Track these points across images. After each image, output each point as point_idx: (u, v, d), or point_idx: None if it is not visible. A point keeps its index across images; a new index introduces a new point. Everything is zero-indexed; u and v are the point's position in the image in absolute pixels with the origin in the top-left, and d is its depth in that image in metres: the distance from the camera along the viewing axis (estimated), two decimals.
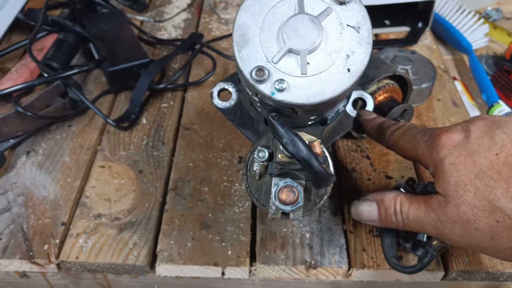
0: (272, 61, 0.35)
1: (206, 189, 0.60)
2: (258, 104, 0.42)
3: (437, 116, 0.70)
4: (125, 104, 0.72)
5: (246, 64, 0.36)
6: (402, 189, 0.53)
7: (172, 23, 0.88)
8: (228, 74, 0.76)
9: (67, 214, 0.57)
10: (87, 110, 0.69)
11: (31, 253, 0.53)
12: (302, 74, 0.35)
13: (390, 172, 0.62)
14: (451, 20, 0.95)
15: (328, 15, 0.36)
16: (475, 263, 0.53)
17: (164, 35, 0.85)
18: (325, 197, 0.42)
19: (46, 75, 0.69)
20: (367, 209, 0.47)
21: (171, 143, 0.66)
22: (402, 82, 0.63)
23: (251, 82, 0.35)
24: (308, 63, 0.35)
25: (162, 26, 0.87)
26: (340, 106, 0.46)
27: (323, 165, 0.36)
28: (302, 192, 0.38)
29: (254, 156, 0.41)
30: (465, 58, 0.96)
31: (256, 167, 0.42)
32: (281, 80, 0.35)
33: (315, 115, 0.41)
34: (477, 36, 0.94)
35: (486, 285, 0.55)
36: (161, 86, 0.71)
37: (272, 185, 0.39)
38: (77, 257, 0.53)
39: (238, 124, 0.58)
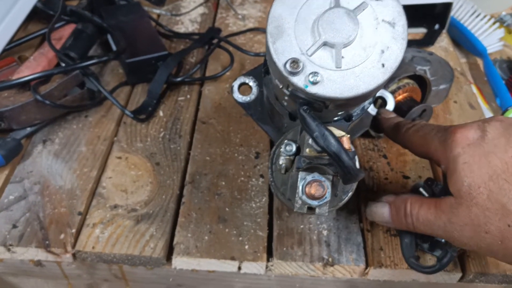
0: (307, 54, 0.35)
1: (223, 183, 0.60)
2: (286, 98, 0.42)
3: (454, 118, 0.70)
4: (142, 96, 0.71)
5: (280, 56, 0.36)
6: (421, 189, 0.53)
7: (189, 17, 0.88)
8: (245, 70, 0.77)
9: (84, 204, 0.57)
10: (104, 101, 0.69)
11: (47, 242, 0.53)
12: (337, 67, 0.35)
13: (407, 172, 0.62)
14: (466, 24, 0.95)
15: (363, 10, 0.36)
16: (492, 265, 0.53)
17: (181, 29, 0.85)
18: (351, 193, 0.42)
19: (63, 64, 0.69)
20: (379, 211, 0.47)
21: (188, 137, 0.66)
22: (421, 82, 0.63)
23: (285, 74, 0.35)
24: (342, 57, 0.35)
25: (179, 20, 0.87)
26: (366, 103, 0.46)
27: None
28: (330, 187, 0.38)
29: (281, 149, 0.41)
30: (479, 62, 0.95)
31: (282, 161, 0.42)
32: (315, 73, 0.35)
33: (344, 110, 0.41)
34: (492, 40, 0.94)
35: None
36: (179, 79, 0.71)
37: (299, 179, 0.39)
38: (93, 247, 0.53)
39: (257, 119, 0.58)
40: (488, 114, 0.80)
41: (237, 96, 0.58)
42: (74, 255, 0.54)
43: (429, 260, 0.53)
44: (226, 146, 0.64)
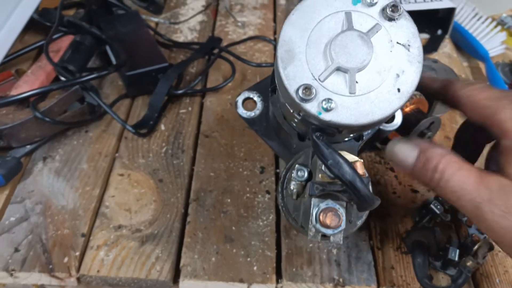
0: (319, 79, 0.34)
1: (229, 200, 0.59)
2: (296, 120, 0.41)
3: None
4: (142, 109, 0.70)
5: (292, 82, 0.34)
6: (432, 206, 0.52)
7: (188, 25, 0.86)
8: (247, 80, 0.75)
9: (87, 224, 0.56)
10: (105, 115, 0.68)
11: (50, 266, 0.52)
12: (351, 93, 0.34)
13: (416, 185, 0.61)
14: (467, 27, 0.93)
15: (377, 32, 0.34)
16: (506, 283, 0.52)
17: (180, 37, 0.83)
18: (364, 217, 0.41)
19: (62, 78, 0.67)
20: (405, 152, 0.40)
21: (191, 151, 0.64)
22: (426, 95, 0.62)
23: (297, 100, 0.34)
24: (356, 82, 0.34)
25: (177, 28, 0.85)
26: None
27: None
28: (344, 215, 0.37)
29: (293, 175, 0.40)
30: (481, 65, 0.94)
31: (293, 186, 0.40)
32: (328, 100, 0.33)
33: (358, 133, 0.40)
34: (493, 43, 0.93)
35: None
36: (180, 91, 0.69)
37: (312, 206, 0.38)
38: (98, 271, 0.52)
39: (263, 135, 0.56)
40: None
41: (242, 111, 0.56)
42: (78, 279, 0.52)
43: (442, 278, 0.52)
44: (230, 160, 0.63)
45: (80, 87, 0.63)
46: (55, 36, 0.71)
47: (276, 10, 0.92)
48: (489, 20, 0.92)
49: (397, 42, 0.35)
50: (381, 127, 0.54)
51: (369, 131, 0.45)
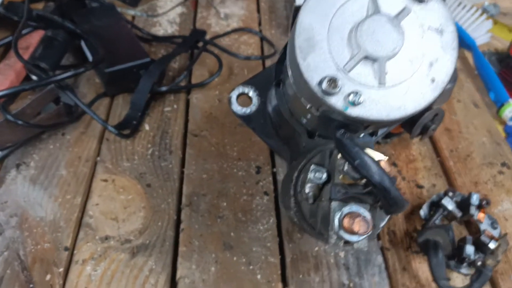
0: (344, 70, 0.30)
1: (225, 204, 0.54)
2: (308, 117, 0.37)
3: (460, 119, 0.67)
4: (123, 108, 0.65)
5: (313, 74, 0.30)
6: (443, 202, 0.50)
7: (167, 18, 0.81)
8: (234, 75, 0.71)
9: (70, 237, 0.50)
10: (83, 116, 0.62)
11: (31, 286, 0.46)
12: (380, 84, 0.30)
13: (420, 180, 0.58)
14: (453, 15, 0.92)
15: (406, 16, 0.31)
16: None
17: (159, 31, 0.78)
18: (387, 219, 0.37)
19: (34, 77, 0.61)
20: None
21: (179, 152, 0.60)
22: None
23: (318, 94, 0.30)
24: (386, 72, 0.30)
25: (156, 21, 0.80)
26: None
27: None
28: (371, 221, 0.33)
29: (309, 176, 0.36)
30: (468, 54, 0.93)
31: (309, 188, 0.36)
32: (356, 93, 0.30)
33: (381, 129, 0.36)
34: (479, 32, 0.92)
35: None
36: (164, 88, 0.64)
37: (333, 211, 0.34)
38: None
39: (260, 133, 0.52)
40: None
41: (236, 108, 0.52)
42: None
43: (456, 278, 0.49)
44: (223, 161, 0.59)
45: (55, 86, 0.57)
46: (24, 32, 0.65)
47: (259, 0, 0.87)
48: (475, 8, 0.91)
49: (429, 27, 0.31)
50: None
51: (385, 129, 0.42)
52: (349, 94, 0.30)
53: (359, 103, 0.30)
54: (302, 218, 0.38)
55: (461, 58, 0.90)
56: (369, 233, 0.33)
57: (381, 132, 0.41)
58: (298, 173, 0.38)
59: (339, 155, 0.34)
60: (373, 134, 0.42)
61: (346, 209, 0.33)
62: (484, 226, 0.51)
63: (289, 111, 0.42)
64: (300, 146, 0.42)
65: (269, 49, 0.76)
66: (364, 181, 0.33)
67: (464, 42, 0.90)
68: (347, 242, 0.35)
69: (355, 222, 0.32)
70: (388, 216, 0.37)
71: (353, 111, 0.30)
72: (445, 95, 0.66)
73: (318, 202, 0.37)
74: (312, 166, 0.36)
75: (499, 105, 0.83)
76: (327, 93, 0.30)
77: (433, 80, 0.31)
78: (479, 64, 0.89)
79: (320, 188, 0.36)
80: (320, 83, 0.30)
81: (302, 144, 0.42)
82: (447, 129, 0.65)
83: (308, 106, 0.33)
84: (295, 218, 0.39)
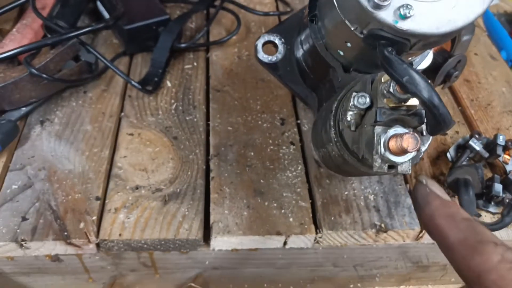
0: None
1: (252, 153, 0.55)
2: (348, 45, 0.37)
3: (478, 71, 0.67)
4: (144, 67, 0.65)
5: None
6: (471, 143, 0.50)
7: None
8: (251, 33, 0.71)
9: (100, 187, 0.50)
10: (103, 73, 0.62)
11: (65, 233, 0.47)
12: None
13: None
14: None
15: None
16: None
17: None
18: (427, 145, 0.38)
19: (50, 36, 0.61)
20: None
21: (203, 107, 0.60)
22: None
23: (369, 9, 0.30)
24: None
25: None
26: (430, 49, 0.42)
27: None
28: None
29: (351, 103, 0.36)
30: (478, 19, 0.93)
31: (350, 116, 0.37)
32: (407, 5, 0.30)
33: (424, 51, 0.37)
34: None
35: None
36: (184, 45, 0.64)
37: (378, 134, 0.34)
38: (120, 235, 0.47)
39: (287, 80, 0.52)
40: None
41: (262, 56, 0.52)
42: (98, 245, 0.47)
43: (484, 217, 0.50)
44: (247, 114, 0.59)
45: (77, 41, 0.57)
46: None
47: None
48: None
49: None
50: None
51: (417, 60, 0.42)
52: (399, 7, 0.30)
53: (409, 16, 0.30)
54: (343, 148, 0.38)
55: None
56: (418, 150, 0.33)
57: (416, 61, 0.41)
58: (338, 103, 0.39)
59: (383, 78, 0.34)
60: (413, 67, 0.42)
61: (392, 131, 0.34)
62: (510, 167, 0.52)
63: (324, 47, 0.42)
64: (335, 82, 0.42)
65: (284, 8, 0.76)
66: (408, 103, 0.34)
67: None
68: (391, 167, 0.35)
69: (404, 139, 0.32)
70: (430, 140, 0.37)
71: (404, 24, 0.30)
72: (463, 47, 0.66)
73: (360, 129, 0.37)
74: (354, 94, 0.36)
75: (511, 63, 0.84)
76: (377, 6, 0.30)
77: None
78: (489, 25, 0.89)
79: (361, 115, 0.37)
80: None
81: (338, 79, 0.42)
82: (466, 80, 0.65)
83: (353, 28, 0.33)
84: (334, 151, 0.39)
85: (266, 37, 0.52)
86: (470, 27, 0.67)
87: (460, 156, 0.52)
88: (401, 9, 0.30)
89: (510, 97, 0.64)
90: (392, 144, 0.33)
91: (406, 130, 0.34)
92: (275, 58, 0.52)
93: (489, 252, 0.26)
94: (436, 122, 0.32)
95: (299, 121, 0.59)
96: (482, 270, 0.25)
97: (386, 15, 0.30)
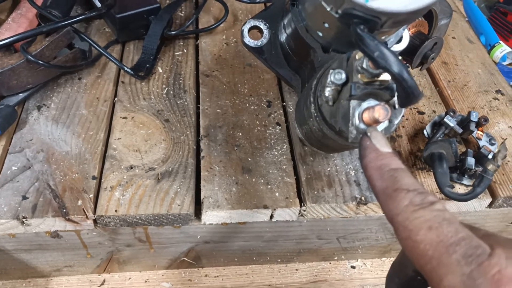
0: None
1: (240, 134, 0.57)
2: (326, 26, 0.40)
3: (455, 53, 0.70)
4: (135, 54, 0.67)
5: None
6: (446, 120, 0.53)
7: None
8: (239, 20, 0.74)
9: (96, 167, 0.53)
10: (97, 60, 0.65)
11: (64, 210, 0.49)
12: None
13: (421, 107, 0.62)
14: None
15: None
16: None
17: None
18: (400, 117, 0.41)
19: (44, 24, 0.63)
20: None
21: (193, 91, 0.63)
22: (426, 16, 0.63)
23: None
24: None
25: None
26: (401, 29, 0.44)
27: None
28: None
29: (330, 79, 0.39)
30: (458, 4, 0.96)
31: (328, 92, 0.40)
32: None
33: (395, 29, 0.39)
34: None
35: None
36: (174, 32, 0.67)
37: (352, 108, 0.37)
38: (116, 211, 0.50)
39: (272, 63, 0.55)
40: None
41: (248, 40, 0.55)
42: (95, 221, 0.50)
43: (459, 189, 0.53)
44: (235, 97, 0.62)
45: (71, 29, 0.60)
46: None
47: None
48: None
49: None
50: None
51: (392, 39, 0.45)
52: None
53: None
54: (322, 122, 0.41)
55: (453, 5, 0.93)
56: (386, 121, 0.36)
57: (390, 46, 0.44)
58: (317, 81, 0.42)
59: (357, 56, 0.37)
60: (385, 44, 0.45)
61: (365, 104, 0.37)
62: (483, 142, 0.55)
63: (305, 29, 0.45)
64: (315, 62, 0.45)
65: None
66: (380, 77, 0.37)
67: None
68: None
69: (375, 109, 0.35)
70: (402, 113, 0.41)
71: (374, 3, 0.33)
72: (442, 30, 0.69)
73: (337, 104, 0.40)
74: (331, 70, 0.39)
75: (489, 47, 0.87)
76: None
77: None
78: (469, 10, 0.92)
79: (338, 91, 0.40)
80: None
81: (318, 59, 0.45)
82: (444, 62, 0.68)
83: (329, 9, 0.36)
84: (314, 125, 0.42)
85: (252, 23, 0.55)
86: (447, 11, 0.71)
87: (435, 132, 0.55)
88: None
89: (485, 78, 0.67)
90: (365, 115, 0.36)
91: (377, 102, 0.37)
92: (260, 42, 0.55)
93: (400, 198, 0.28)
94: (405, 94, 0.35)
95: (284, 103, 0.62)
96: (393, 214, 0.28)
97: None
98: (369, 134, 0.35)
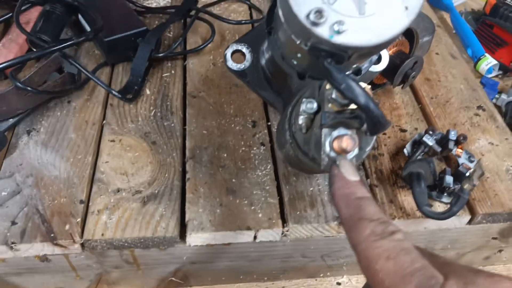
0: (328, 2, 0.34)
1: (225, 155, 0.59)
2: (298, 56, 0.41)
3: (439, 69, 0.71)
4: (124, 76, 0.69)
5: (301, 7, 0.34)
6: (425, 138, 0.54)
7: None
8: (226, 40, 0.75)
9: (84, 191, 0.54)
10: (86, 83, 0.66)
11: (52, 235, 0.51)
12: (360, 14, 0.34)
13: (403, 125, 0.63)
14: None
15: None
16: (497, 205, 0.55)
17: (151, 4, 0.81)
18: (372, 144, 0.42)
19: (35, 50, 0.65)
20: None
21: (180, 112, 0.64)
22: (407, 35, 0.64)
23: (307, 26, 0.34)
24: (365, 3, 0.34)
25: None
26: (374, 56, 0.46)
27: None
28: (357, 139, 0.37)
29: (302, 108, 0.40)
30: (446, 16, 0.97)
31: (301, 120, 0.41)
32: (340, 22, 0.34)
33: (363, 60, 0.41)
34: None
35: (508, 226, 0.57)
36: (162, 54, 0.68)
37: (324, 136, 0.38)
38: (102, 234, 0.51)
39: (255, 86, 0.56)
40: None
41: (231, 64, 0.56)
42: (82, 245, 0.51)
43: (438, 207, 0.54)
44: (221, 118, 0.63)
45: (59, 55, 0.61)
46: (23, 8, 0.68)
47: None
48: None
49: None
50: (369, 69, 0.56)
51: (366, 65, 0.46)
52: (333, 24, 0.34)
53: (343, 31, 0.34)
54: (297, 148, 0.43)
55: (439, 18, 0.94)
56: (356, 151, 0.37)
57: (364, 71, 0.46)
58: (292, 108, 0.43)
59: (328, 86, 0.38)
60: (357, 73, 0.46)
61: (335, 133, 0.38)
62: (462, 160, 0.56)
63: (281, 56, 0.46)
64: (292, 88, 0.47)
65: (257, 16, 0.80)
66: (350, 107, 0.38)
67: (442, 3, 0.95)
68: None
69: (343, 140, 0.36)
70: (373, 140, 0.42)
71: (338, 39, 0.34)
72: (424, 47, 0.71)
73: (310, 132, 0.41)
74: (304, 99, 0.40)
75: (476, 60, 0.88)
76: (314, 24, 0.34)
77: (407, 8, 0.35)
78: (456, 23, 0.93)
79: (311, 119, 0.41)
80: (308, 15, 0.34)
81: (294, 85, 0.46)
82: (427, 79, 0.70)
83: (298, 42, 0.37)
84: (290, 151, 0.44)
85: (234, 47, 0.56)
86: (429, 28, 0.72)
87: (415, 151, 0.56)
88: (335, 25, 0.34)
89: (467, 94, 0.68)
90: (335, 144, 0.37)
91: (349, 132, 0.38)
92: (243, 66, 0.56)
93: (362, 227, 0.29)
94: (372, 123, 0.36)
95: (269, 123, 0.63)
96: (355, 243, 0.29)
97: (323, 31, 0.34)
98: (337, 162, 0.36)
